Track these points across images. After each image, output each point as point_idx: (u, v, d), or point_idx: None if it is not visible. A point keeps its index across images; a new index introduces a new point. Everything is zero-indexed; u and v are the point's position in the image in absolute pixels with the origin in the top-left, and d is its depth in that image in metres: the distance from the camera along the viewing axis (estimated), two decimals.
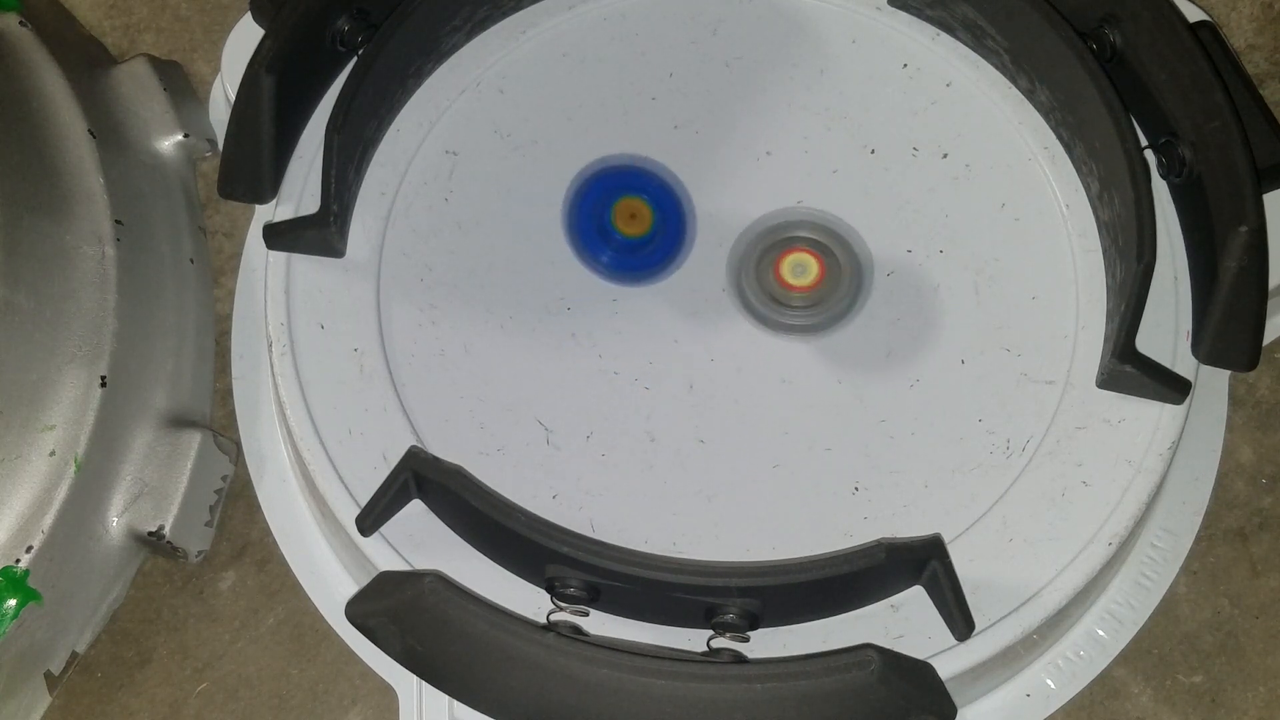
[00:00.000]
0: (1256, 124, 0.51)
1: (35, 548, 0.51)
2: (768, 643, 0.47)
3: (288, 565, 0.55)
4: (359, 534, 0.48)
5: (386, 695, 0.54)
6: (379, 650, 0.45)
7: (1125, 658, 0.53)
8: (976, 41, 0.54)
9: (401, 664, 0.45)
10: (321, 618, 0.55)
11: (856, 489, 0.49)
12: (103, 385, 0.53)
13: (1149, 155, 0.51)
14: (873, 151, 0.54)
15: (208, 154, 0.61)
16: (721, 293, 0.52)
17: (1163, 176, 0.52)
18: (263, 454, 0.56)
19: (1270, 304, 0.50)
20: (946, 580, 0.46)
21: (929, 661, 0.45)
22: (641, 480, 0.50)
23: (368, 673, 0.54)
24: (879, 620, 0.47)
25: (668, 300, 0.52)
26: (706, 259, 0.53)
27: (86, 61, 0.60)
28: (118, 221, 0.55)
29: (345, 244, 0.52)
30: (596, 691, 0.42)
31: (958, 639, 0.46)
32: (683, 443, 0.50)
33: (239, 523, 0.57)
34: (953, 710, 0.44)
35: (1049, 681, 0.52)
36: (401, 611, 0.44)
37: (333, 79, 0.55)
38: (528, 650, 0.42)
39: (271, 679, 0.55)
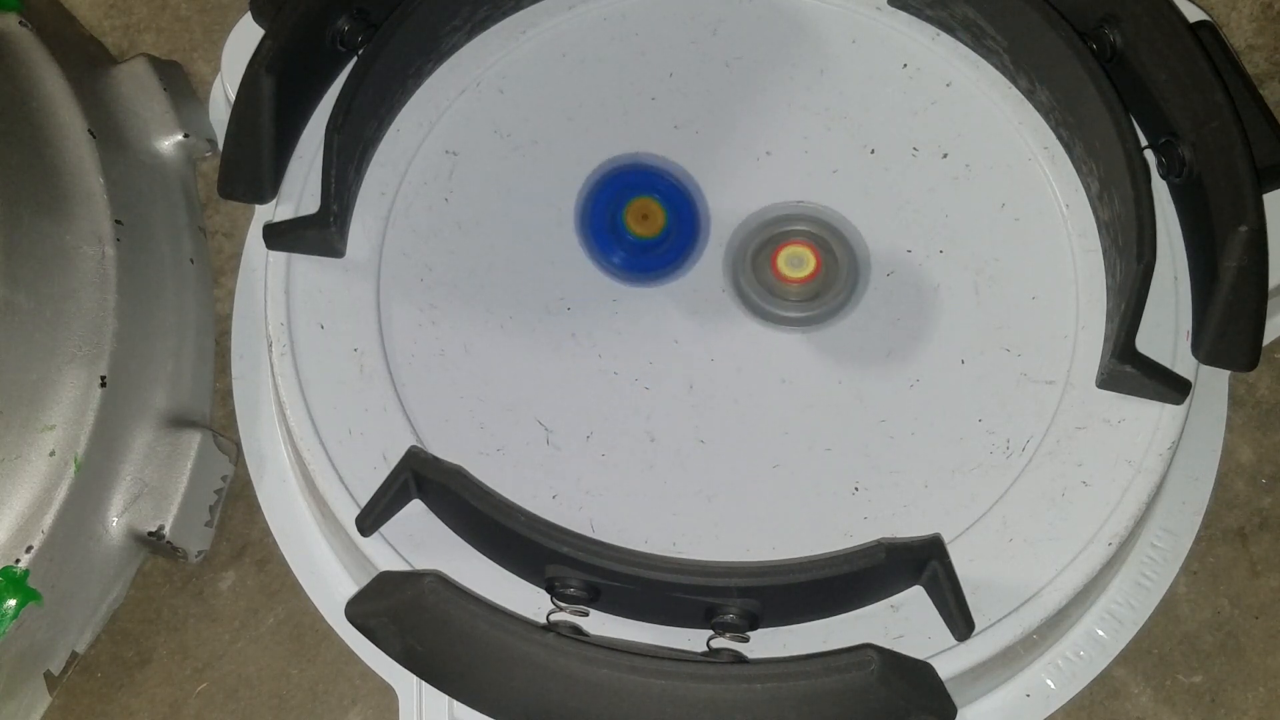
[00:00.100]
0: (1256, 124, 0.51)
1: (35, 548, 0.51)
2: (768, 643, 0.47)
3: (288, 565, 0.55)
4: (359, 534, 0.48)
5: (386, 695, 0.54)
6: (379, 650, 0.45)
7: (1125, 658, 0.53)
8: (976, 41, 0.54)
9: (401, 664, 0.45)
10: (321, 618, 0.55)
11: (856, 489, 0.49)
12: (103, 385, 0.53)
13: (1149, 155, 0.51)
14: (873, 151, 0.54)
15: (208, 154, 0.61)
16: (722, 293, 0.52)
17: (1163, 176, 0.52)
18: (263, 454, 0.56)
19: (1270, 304, 0.50)
20: (946, 580, 0.46)
21: (929, 661, 0.45)
22: (641, 480, 0.50)
23: (368, 673, 0.54)
24: (879, 620, 0.47)
25: (668, 300, 0.52)
26: (706, 259, 0.53)
27: (86, 61, 0.60)
28: (118, 221, 0.55)
29: (345, 244, 0.52)
30: (596, 691, 0.42)
31: (958, 639, 0.46)
32: (683, 443, 0.50)
33: (239, 523, 0.57)
34: (953, 710, 0.44)
35: (1049, 681, 0.52)
36: (401, 611, 0.44)
37: (333, 79, 0.55)
38: (528, 650, 0.42)
39: (271, 679, 0.55)
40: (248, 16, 0.56)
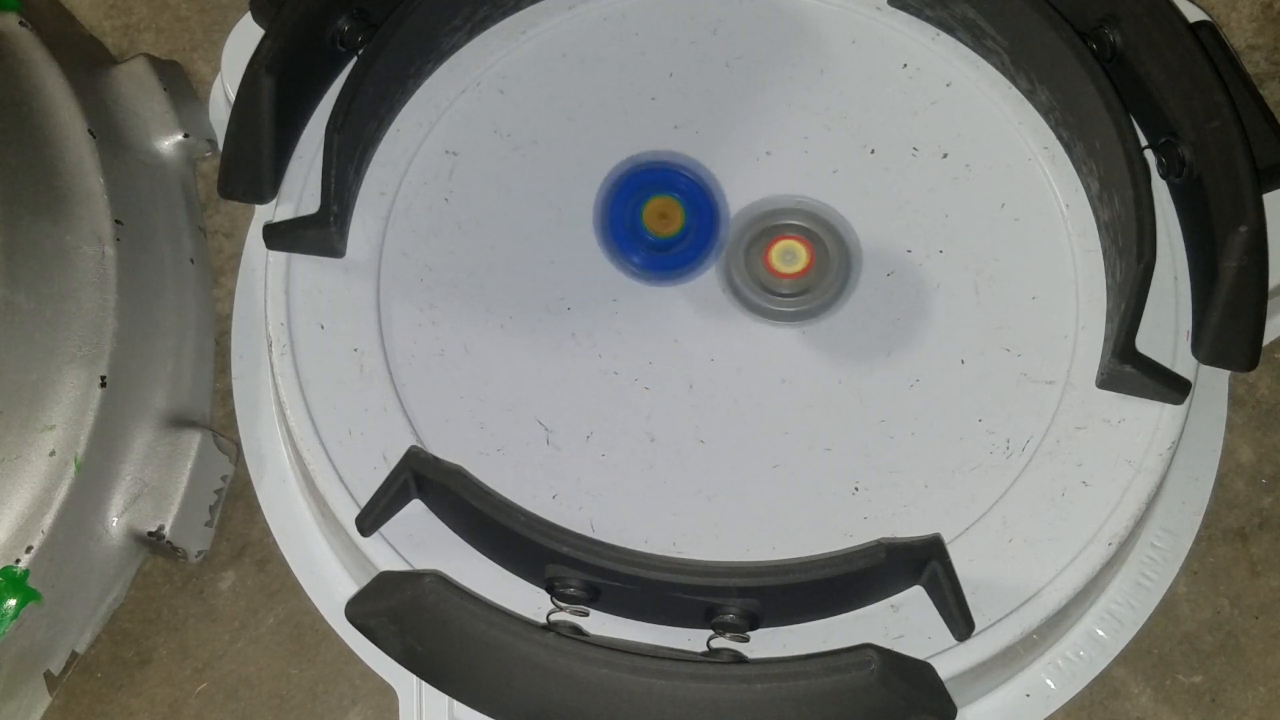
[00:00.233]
0: (1256, 124, 0.51)
1: (35, 548, 0.51)
2: (768, 643, 0.47)
3: (288, 565, 0.55)
4: (359, 534, 0.48)
5: (386, 695, 0.54)
6: (379, 650, 0.45)
7: (1125, 658, 0.53)
8: (976, 41, 0.54)
9: (401, 664, 0.45)
10: (321, 618, 0.55)
11: (856, 489, 0.49)
12: (103, 385, 0.53)
13: (1149, 155, 0.51)
14: (873, 151, 0.54)
15: (208, 154, 0.61)
16: (722, 293, 0.52)
17: (1163, 176, 0.52)
18: (263, 454, 0.56)
19: (1270, 304, 0.50)
20: (946, 580, 0.46)
21: (929, 661, 0.45)
22: (641, 480, 0.50)
23: (368, 673, 0.54)
24: (879, 620, 0.47)
25: (668, 300, 0.52)
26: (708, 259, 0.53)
27: (86, 61, 0.60)
28: (118, 221, 0.55)
29: (345, 244, 0.52)
30: (596, 691, 0.42)
31: (958, 639, 0.46)
32: (683, 443, 0.50)
33: (239, 523, 0.57)
34: (953, 710, 0.44)
35: (1049, 681, 0.52)
36: (401, 611, 0.44)
37: (333, 79, 0.55)
38: (528, 650, 0.42)
39: (271, 679, 0.55)
40: (248, 16, 0.56)
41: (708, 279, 0.52)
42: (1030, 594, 0.47)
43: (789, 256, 0.52)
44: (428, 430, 0.50)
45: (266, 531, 0.56)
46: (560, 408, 0.51)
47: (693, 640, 0.47)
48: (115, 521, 0.54)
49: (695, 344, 0.52)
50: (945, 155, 0.53)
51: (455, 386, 0.51)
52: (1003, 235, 0.52)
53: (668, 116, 0.55)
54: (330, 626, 0.54)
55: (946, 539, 0.47)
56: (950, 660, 0.46)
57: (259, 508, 0.56)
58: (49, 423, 0.52)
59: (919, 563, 0.46)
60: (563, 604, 0.46)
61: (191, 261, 0.59)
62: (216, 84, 0.61)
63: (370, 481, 0.48)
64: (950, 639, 0.46)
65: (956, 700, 0.45)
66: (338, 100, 0.51)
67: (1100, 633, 0.53)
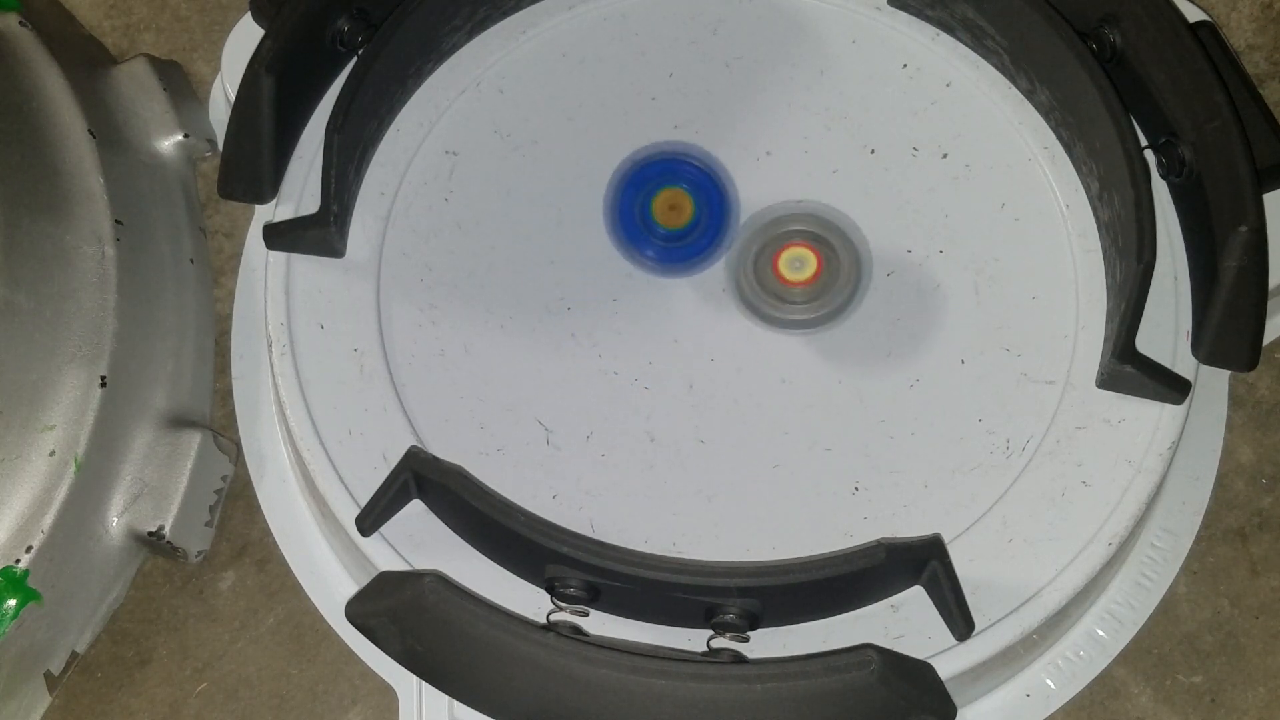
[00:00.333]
0: (1256, 124, 0.51)
1: (35, 548, 0.51)
2: (768, 643, 0.47)
3: (288, 565, 0.55)
4: (359, 534, 0.48)
5: (386, 695, 0.54)
6: (379, 650, 0.45)
7: (1125, 658, 0.53)
8: (976, 41, 0.54)
9: (401, 664, 0.45)
10: (321, 618, 0.55)
11: (856, 489, 0.49)
12: (103, 385, 0.53)
13: (1149, 155, 0.51)
14: (873, 151, 0.54)
15: (208, 154, 0.61)
16: (722, 292, 0.52)
17: (1163, 176, 0.52)
18: (263, 454, 0.56)
19: (1270, 304, 0.50)
20: (946, 580, 0.46)
21: (929, 661, 0.45)
22: (641, 480, 0.50)
23: (368, 673, 0.54)
24: (879, 620, 0.47)
25: (671, 297, 0.52)
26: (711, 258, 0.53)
27: (86, 61, 0.60)
28: (118, 221, 0.55)
29: (345, 244, 0.52)
30: (596, 691, 0.42)
31: (958, 639, 0.46)
32: (683, 443, 0.50)
33: (239, 523, 0.57)
34: (953, 710, 0.44)
35: (1049, 681, 0.52)
36: (401, 611, 0.44)
37: (333, 79, 0.55)
38: (528, 650, 0.42)
39: (271, 679, 0.55)
40: (248, 16, 0.56)
41: (716, 273, 0.52)
42: (1030, 594, 0.47)
43: (797, 264, 0.52)
44: (428, 430, 0.50)
45: (266, 531, 0.56)
46: (560, 408, 0.51)
47: (693, 640, 0.47)
48: (115, 521, 0.54)
49: (695, 344, 0.52)
50: (945, 155, 0.53)
51: (455, 386, 0.51)
52: (1003, 235, 0.52)
53: (668, 116, 0.54)
54: (330, 626, 0.54)
55: (946, 539, 0.47)
56: (950, 660, 0.46)
57: (259, 508, 0.56)
58: (49, 423, 0.52)
59: (919, 563, 0.46)
60: (563, 604, 0.46)
61: (191, 261, 0.59)
62: (216, 84, 0.61)
63: (370, 481, 0.48)
64: (950, 639, 0.46)
65: (956, 700, 0.45)
66: (338, 100, 0.51)
67: (1100, 633, 0.53)
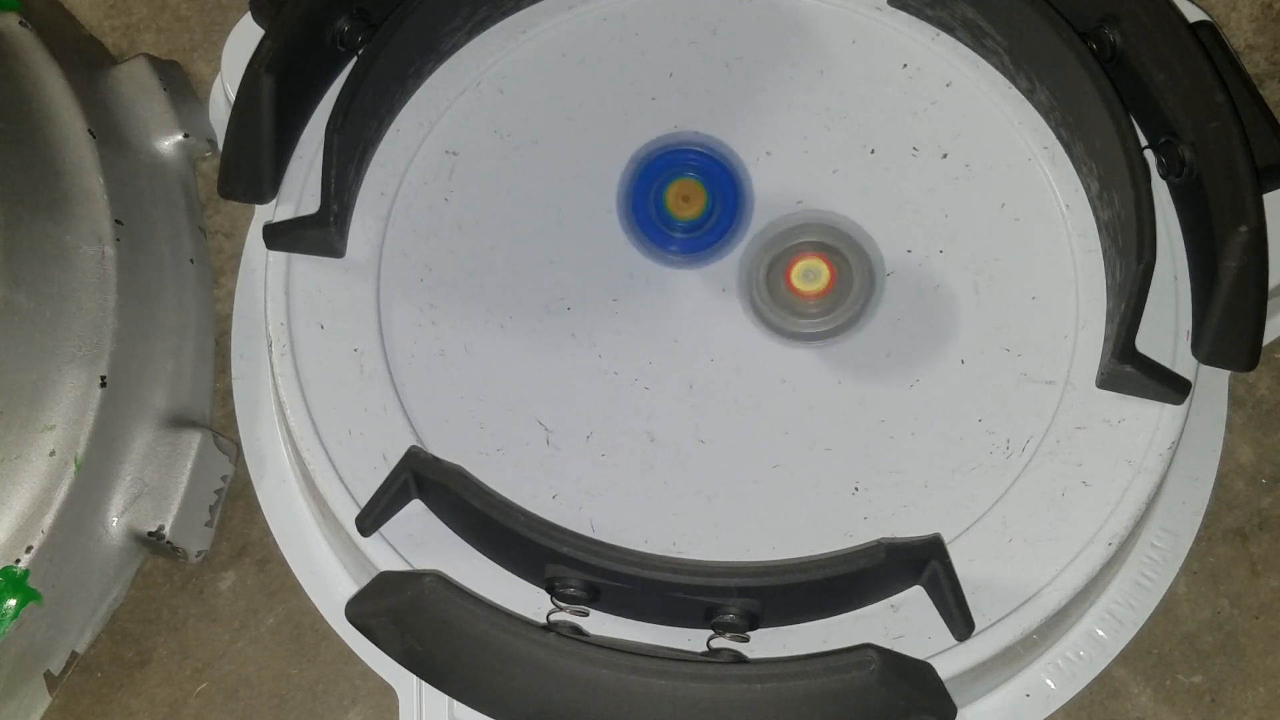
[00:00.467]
0: (1256, 124, 0.51)
1: (35, 548, 0.51)
2: (768, 643, 0.47)
3: (288, 565, 0.55)
4: (359, 534, 0.48)
5: (386, 695, 0.54)
6: (379, 650, 0.45)
7: (1125, 658, 0.53)
8: (976, 41, 0.54)
9: (401, 664, 0.45)
10: (321, 618, 0.55)
11: (856, 489, 0.49)
12: (103, 385, 0.53)
13: (1149, 155, 0.51)
14: (873, 151, 0.54)
15: (208, 154, 0.61)
16: (722, 292, 0.52)
17: (1163, 176, 0.52)
18: (263, 454, 0.56)
19: (1270, 304, 0.50)
20: (946, 580, 0.46)
21: (929, 661, 0.45)
22: (641, 480, 0.50)
23: (368, 673, 0.54)
24: (879, 620, 0.47)
25: (668, 299, 0.52)
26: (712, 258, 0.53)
27: (86, 61, 0.60)
28: (118, 221, 0.55)
29: (345, 244, 0.52)
30: (596, 691, 0.42)
31: (958, 639, 0.46)
32: (683, 443, 0.50)
33: (239, 523, 0.57)
34: (953, 710, 0.44)
35: (1049, 681, 0.52)
36: (401, 611, 0.44)
37: (333, 79, 0.55)
38: (528, 650, 0.42)
39: (271, 679, 0.55)
40: (248, 16, 0.56)
41: (726, 267, 0.52)
42: (1030, 594, 0.47)
43: (811, 275, 0.52)
44: (428, 430, 0.50)
45: (266, 531, 0.56)
46: (560, 408, 0.51)
47: (693, 640, 0.47)
48: (115, 521, 0.54)
49: (695, 344, 0.52)
50: (945, 155, 0.53)
51: (455, 386, 0.51)
52: (1003, 235, 0.52)
53: (668, 116, 0.54)
54: (330, 626, 0.54)
55: (946, 539, 0.47)
56: (950, 660, 0.46)
57: (259, 508, 0.56)
58: (49, 423, 0.52)
59: (919, 563, 0.46)
60: (563, 604, 0.46)
61: (191, 261, 0.59)
62: (216, 84, 0.61)
63: (370, 481, 0.48)
64: (950, 639, 0.46)
65: (956, 700, 0.45)
66: (338, 100, 0.51)
67: (1100, 633, 0.53)
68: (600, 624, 0.47)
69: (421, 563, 0.48)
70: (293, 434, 0.50)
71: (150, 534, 0.54)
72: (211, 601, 0.56)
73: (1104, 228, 0.51)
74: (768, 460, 0.50)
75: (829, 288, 0.51)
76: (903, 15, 0.55)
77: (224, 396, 0.58)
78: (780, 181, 0.53)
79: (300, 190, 0.53)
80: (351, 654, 0.54)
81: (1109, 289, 0.51)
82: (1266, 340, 0.52)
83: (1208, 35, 0.53)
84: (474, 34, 0.56)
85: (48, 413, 0.52)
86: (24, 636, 0.52)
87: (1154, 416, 0.49)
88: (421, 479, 0.47)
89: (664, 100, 0.55)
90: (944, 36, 0.55)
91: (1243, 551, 0.56)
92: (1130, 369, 0.48)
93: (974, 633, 0.46)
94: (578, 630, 0.46)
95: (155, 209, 0.58)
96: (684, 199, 0.53)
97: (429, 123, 0.55)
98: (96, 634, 0.56)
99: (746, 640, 0.46)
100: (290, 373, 0.50)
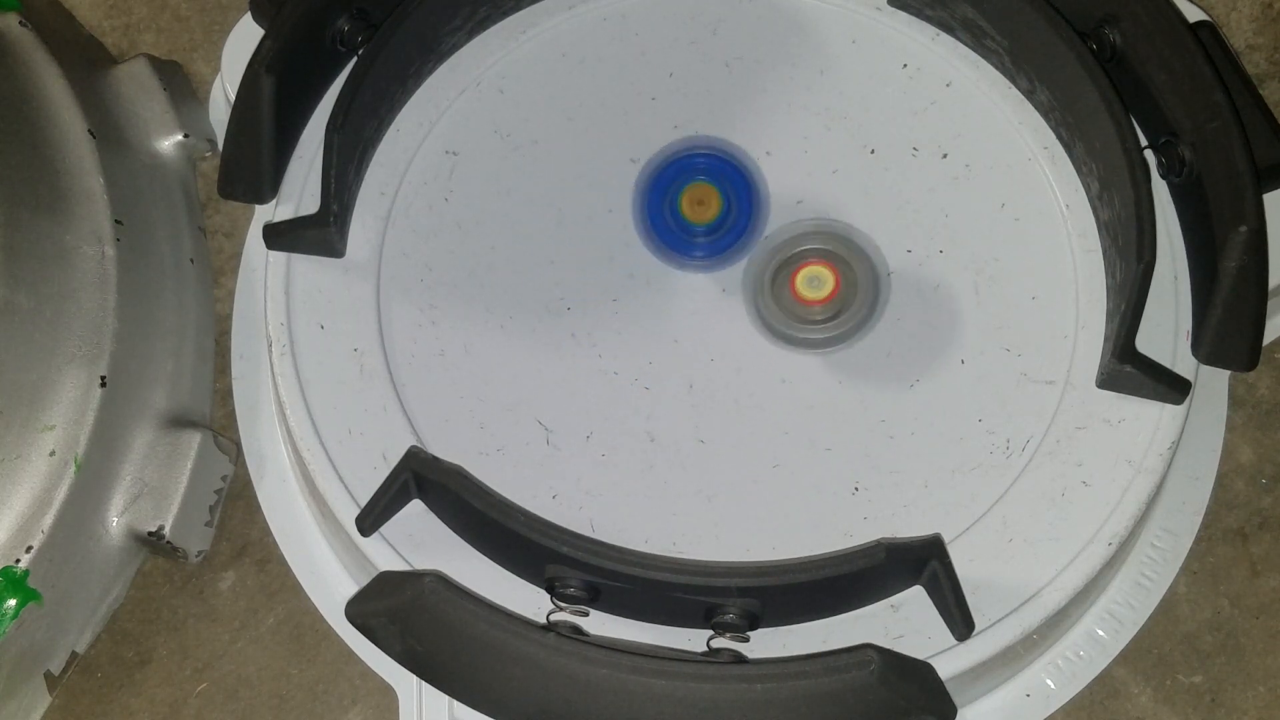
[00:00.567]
0: (1256, 124, 0.51)
1: (35, 548, 0.51)
2: (768, 643, 0.47)
3: (288, 565, 0.55)
4: (359, 534, 0.48)
5: (386, 695, 0.54)
6: (379, 650, 0.45)
7: (1125, 658, 0.53)
8: (976, 41, 0.54)
9: (401, 664, 0.45)
10: (321, 618, 0.55)
11: (856, 489, 0.49)
12: (103, 385, 0.53)
13: (1149, 155, 0.51)
14: (873, 151, 0.54)
15: (208, 154, 0.61)
16: (722, 292, 0.52)
17: (1163, 176, 0.52)
18: (263, 454, 0.56)
19: (1270, 304, 0.50)
20: (946, 580, 0.46)
21: (929, 661, 0.45)
22: (641, 480, 0.50)
23: (368, 673, 0.54)
24: (879, 620, 0.47)
25: (668, 300, 0.52)
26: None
27: (86, 61, 0.60)
28: (118, 221, 0.55)
29: (345, 244, 0.52)
30: (596, 691, 0.42)
31: (958, 639, 0.46)
32: (683, 443, 0.50)
33: (239, 523, 0.57)
34: (953, 710, 0.44)
35: (1049, 681, 0.52)
36: (401, 611, 0.44)
37: (333, 79, 0.55)
38: (528, 650, 0.42)
39: (271, 679, 0.55)
40: (248, 16, 0.56)
41: (709, 280, 0.52)
42: (1030, 594, 0.47)
43: (815, 282, 0.51)
44: (428, 430, 0.50)
45: (266, 531, 0.56)
46: (560, 408, 0.51)
47: (693, 640, 0.47)
48: (115, 521, 0.54)
49: (695, 344, 0.52)
50: (945, 155, 0.53)
51: (455, 386, 0.51)
52: (1003, 235, 0.52)
53: (668, 116, 0.54)
54: (330, 626, 0.54)
55: (946, 539, 0.47)
56: (950, 660, 0.46)
57: (259, 508, 0.56)
58: (49, 423, 0.52)
59: (919, 563, 0.46)
60: (563, 604, 0.46)
61: (191, 261, 0.59)
62: (216, 84, 0.61)
63: (370, 481, 0.48)
64: (950, 639, 0.46)
65: (956, 700, 0.45)
66: (338, 100, 0.51)
67: (1100, 633, 0.53)
68: (600, 624, 0.47)
69: (421, 563, 0.48)
70: (293, 434, 0.50)
71: (150, 534, 0.54)
72: (211, 601, 0.56)
73: (1104, 228, 0.51)
74: (768, 460, 0.50)
75: (834, 294, 0.51)
76: (903, 15, 0.55)
77: (224, 396, 0.58)
78: (780, 182, 0.53)
79: (300, 190, 0.53)
80: (351, 654, 0.54)
81: (1109, 289, 0.51)
82: (1266, 340, 0.52)
83: (1208, 35, 0.53)
84: (474, 34, 0.56)
85: (48, 413, 0.52)
86: (24, 636, 0.52)
87: (1154, 416, 0.49)
88: (421, 479, 0.47)
89: (664, 100, 0.55)
90: (944, 36, 0.55)
91: (1243, 551, 0.56)
92: (1130, 369, 0.48)
93: (974, 633, 0.46)
94: (578, 630, 0.46)
95: (155, 209, 0.58)
96: (699, 203, 0.53)
97: (429, 123, 0.55)
98: (96, 634, 0.56)
99: (746, 640, 0.46)
100: (290, 373, 0.50)
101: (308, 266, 0.52)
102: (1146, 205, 0.48)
